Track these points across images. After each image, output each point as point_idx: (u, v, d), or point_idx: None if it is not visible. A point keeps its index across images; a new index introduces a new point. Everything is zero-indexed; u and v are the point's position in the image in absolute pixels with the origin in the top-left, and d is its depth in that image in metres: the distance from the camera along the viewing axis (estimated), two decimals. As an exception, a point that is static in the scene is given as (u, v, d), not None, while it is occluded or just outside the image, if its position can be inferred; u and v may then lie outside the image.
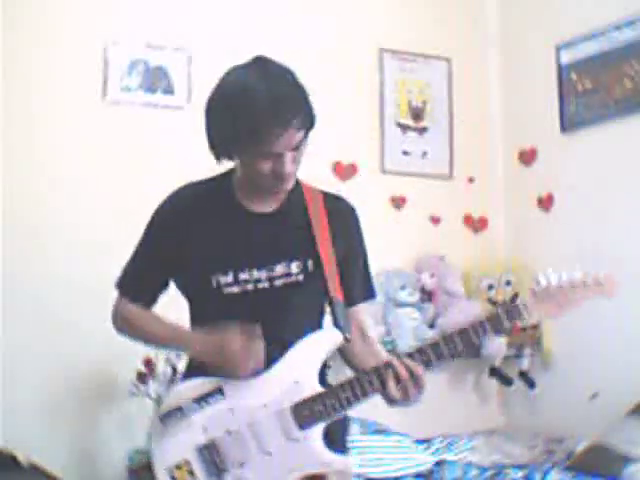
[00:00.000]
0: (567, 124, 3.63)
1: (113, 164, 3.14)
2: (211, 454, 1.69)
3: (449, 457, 3.19)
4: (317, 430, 1.69)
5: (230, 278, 1.75)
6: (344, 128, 3.55)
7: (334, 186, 3.38)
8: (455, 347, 1.74)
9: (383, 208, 3.70)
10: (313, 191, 1.88)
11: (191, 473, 1.69)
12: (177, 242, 1.78)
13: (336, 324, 1.80)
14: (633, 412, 3.02)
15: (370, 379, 1.70)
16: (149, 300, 1.86)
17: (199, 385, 1.73)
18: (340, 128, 3.52)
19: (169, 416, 1.73)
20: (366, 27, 3.72)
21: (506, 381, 3.67)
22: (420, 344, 1.75)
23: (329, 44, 3.60)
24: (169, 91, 3.28)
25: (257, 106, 1.64)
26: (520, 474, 2.94)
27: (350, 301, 1.88)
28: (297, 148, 1.71)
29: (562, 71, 3.65)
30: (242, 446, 1.68)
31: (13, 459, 2.47)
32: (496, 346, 3.56)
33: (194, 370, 1.79)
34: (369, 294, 1.96)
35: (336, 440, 1.75)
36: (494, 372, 3.66)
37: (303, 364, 1.74)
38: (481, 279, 3.74)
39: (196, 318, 1.84)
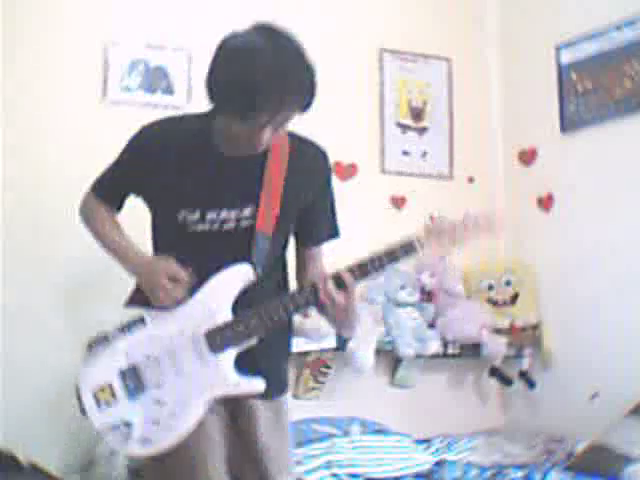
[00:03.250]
0: (567, 124, 3.63)
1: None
2: (131, 377, 1.82)
3: (449, 457, 3.19)
4: (228, 355, 1.80)
5: (197, 216, 1.84)
6: (344, 128, 3.55)
7: (334, 186, 3.38)
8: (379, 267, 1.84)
9: (383, 208, 3.70)
10: (283, 137, 1.89)
11: (113, 394, 1.83)
12: (148, 171, 1.88)
13: (251, 259, 1.85)
14: (633, 412, 3.02)
15: (276, 307, 1.81)
16: (115, 204, 2.03)
17: (126, 314, 1.88)
18: (340, 128, 3.52)
19: (96, 343, 1.88)
20: (366, 27, 3.72)
21: (506, 381, 3.67)
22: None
23: (329, 44, 3.59)
24: (169, 91, 3.28)
25: (258, 79, 1.66)
26: (520, 474, 2.94)
27: (313, 241, 2.00)
28: (281, 124, 1.76)
29: (562, 71, 3.65)
30: (160, 369, 1.81)
31: (13, 459, 2.47)
32: (496, 346, 3.56)
33: (135, 301, 1.92)
34: (333, 233, 2.04)
35: (247, 367, 1.83)
36: (494, 372, 3.66)
37: (218, 295, 1.84)
38: (481, 279, 3.74)
39: (157, 247, 1.97)
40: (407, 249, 1.84)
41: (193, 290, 1.84)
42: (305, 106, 1.77)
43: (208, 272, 1.83)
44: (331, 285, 1.79)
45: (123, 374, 1.83)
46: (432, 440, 3.38)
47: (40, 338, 2.93)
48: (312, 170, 1.96)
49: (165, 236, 1.94)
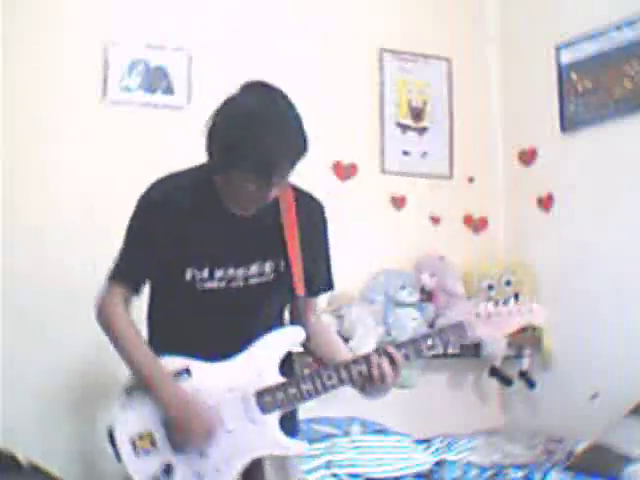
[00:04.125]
0: (567, 124, 3.63)
1: (113, 164, 3.14)
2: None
3: (449, 457, 3.19)
4: (275, 416, 1.82)
5: (205, 274, 1.83)
6: (344, 128, 3.55)
7: (334, 186, 3.39)
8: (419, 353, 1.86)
9: (383, 208, 3.70)
10: (286, 191, 1.92)
11: (153, 443, 1.78)
12: (161, 227, 1.84)
13: (295, 320, 1.94)
14: (633, 412, 3.02)
15: (330, 375, 1.84)
16: (138, 290, 1.92)
17: (168, 362, 1.83)
18: (340, 128, 3.52)
19: (136, 389, 1.82)
20: (366, 27, 3.71)
21: (506, 381, 3.67)
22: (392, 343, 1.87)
23: (329, 44, 3.60)
24: (169, 91, 3.27)
25: (270, 145, 1.68)
26: (520, 474, 2.94)
27: (312, 293, 2.00)
28: (284, 180, 1.79)
29: (562, 71, 3.65)
30: None
31: (13, 459, 2.47)
32: (496, 346, 3.56)
33: (161, 346, 1.86)
34: (329, 286, 2.07)
35: (288, 426, 1.87)
36: (494, 372, 3.66)
37: (267, 357, 1.85)
38: (481, 279, 3.74)
39: (159, 308, 1.93)
40: (461, 337, 1.87)
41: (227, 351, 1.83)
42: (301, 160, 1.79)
43: (215, 328, 1.85)
44: (386, 363, 1.82)
45: (167, 425, 1.79)
46: (432, 440, 3.38)
47: (40, 338, 2.93)
48: (316, 222, 2.01)
49: (171, 294, 1.89)
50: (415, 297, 3.53)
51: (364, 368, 1.83)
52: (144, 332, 1.97)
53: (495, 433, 3.57)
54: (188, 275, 1.83)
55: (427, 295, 3.62)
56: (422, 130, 3.83)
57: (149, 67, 3.24)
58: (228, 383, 1.82)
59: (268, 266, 1.88)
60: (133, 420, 1.80)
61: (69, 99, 3.10)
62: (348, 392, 3.46)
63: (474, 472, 2.99)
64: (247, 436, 1.80)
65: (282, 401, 1.81)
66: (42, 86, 3.06)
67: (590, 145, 3.54)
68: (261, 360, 1.85)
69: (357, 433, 3.15)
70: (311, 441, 2.96)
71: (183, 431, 1.78)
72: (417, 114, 3.82)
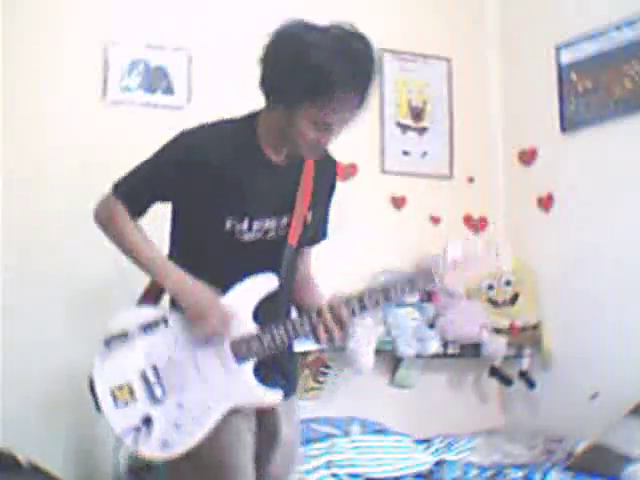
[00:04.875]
0: (567, 124, 3.63)
1: (113, 164, 3.13)
2: (152, 378, 1.80)
3: (449, 457, 3.19)
4: (250, 365, 1.83)
5: (245, 225, 1.84)
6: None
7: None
8: (377, 302, 1.85)
9: (383, 208, 3.70)
10: None
11: (132, 394, 1.80)
12: (197, 174, 1.82)
13: (278, 269, 1.89)
14: (633, 412, 3.02)
15: (302, 323, 1.83)
16: (139, 212, 1.92)
17: (145, 313, 1.86)
18: (340, 128, 3.52)
19: (114, 340, 1.85)
20: (366, 27, 3.69)
21: (506, 381, 3.67)
22: (347, 295, 1.86)
23: (329, 44, 3.59)
24: (169, 91, 3.28)
25: (339, 68, 1.78)
26: (520, 474, 2.94)
27: (309, 242, 2.03)
28: (344, 125, 1.85)
29: (562, 71, 3.65)
30: (182, 373, 1.80)
31: (13, 459, 2.47)
32: (496, 346, 3.56)
33: (147, 299, 1.92)
34: (323, 236, 2.09)
35: (271, 378, 1.87)
36: (494, 372, 3.66)
37: (240, 307, 1.84)
38: (481, 279, 3.74)
39: (189, 251, 1.91)
40: (426, 278, 1.88)
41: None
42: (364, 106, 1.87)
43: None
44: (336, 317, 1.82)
45: (144, 375, 1.81)
46: (432, 440, 3.38)
47: (40, 338, 2.93)
48: (329, 180, 2.05)
49: (205, 241, 1.88)
50: (415, 297, 3.53)
51: (306, 327, 1.84)
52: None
53: (495, 433, 3.57)
54: (228, 225, 1.84)
55: (427, 295, 3.62)
56: (422, 130, 3.83)
57: (149, 67, 3.24)
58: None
59: (285, 220, 1.92)
60: (112, 371, 1.83)
61: (69, 99, 3.10)
62: (348, 392, 3.48)
63: (474, 472, 2.99)
64: (223, 385, 1.81)
65: (257, 350, 1.82)
66: (42, 86, 3.06)
67: (590, 145, 3.54)
68: (236, 309, 1.84)
69: (357, 433, 3.15)
70: (311, 441, 2.97)
71: (201, 317, 1.79)
72: (417, 114, 3.83)
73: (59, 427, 2.96)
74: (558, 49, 3.66)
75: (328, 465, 2.89)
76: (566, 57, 3.63)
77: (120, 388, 1.80)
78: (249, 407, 1.87)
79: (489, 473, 2.98)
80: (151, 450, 1.78)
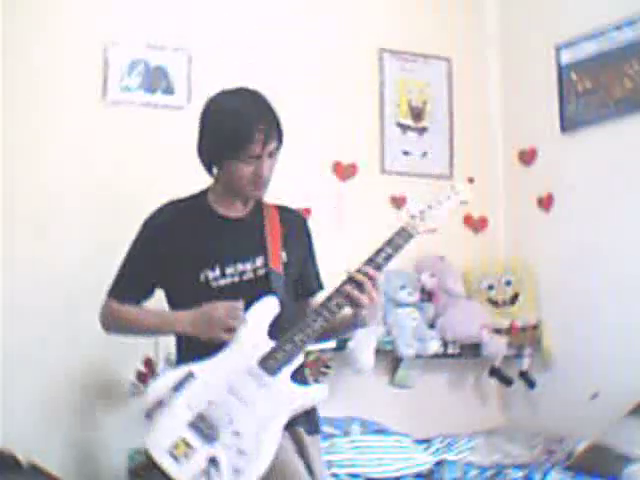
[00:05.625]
0: (567, 124, 3.63)
1: (113, 164, 3.14)
2: (201, 424, 1.86)
3: (449, 457, 3.19)
4: (285, 374, 1.93)
5: (217, 272, 2.04)
6: (344, 128, 3.55)
7: (334, 186, 3.39)
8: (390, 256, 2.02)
9: (383, 208, 3.70)
10: (270, 205, 2.19)
11: (189, 446, 1.84)
12: (164, 250, 2.06)
13: (274, 291, 2.04)
14: (633, 412, 3.02)
15: (314, 318, 1.94)
16: (137, 302, 2.12)
17: (170, 376, 1.95)
18: (340, 128, 3.52)
19: (153, 411, 1.90)
20: (366, 27, 3.71)
21: (506, 381, 3.67)
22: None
23: (329, 44, 3.60)
24: (169, 91, 3.27)
25: (243, 112, 2.00)
26: (520, 474, 2.94)
27: (309, 292, 2.23)
28: (272, 156, 2.03)
29: (562, 71, 3.65)
30: (227, 408, 1.88)
31: (13, 459, 2.47)
32: (496, 346, 3.56)
33: (187, 348, 2.06)
34: (321, 286, 2.26)
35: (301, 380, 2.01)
36: (494, 372, 3.66)
37: (255, 330, 1.97)
38: (481, 279, 3.74)
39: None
40: (406, 238, 2.05)
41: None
42: (280, 139, 2.05)
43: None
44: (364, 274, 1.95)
45: (193, 424, 1.86)
46: (432, 440, 3.38)
47: (40, 338, 2.93)
48: (299, 229, 2.24)
49: (189, 299, 2.03)
50: (415, 297, 3.54)
51: (342, 301, 1.95)
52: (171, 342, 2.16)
53: (495, 433, 3.57)
54: (202, 277, 2.03)
55: (427, 295, 3.62)
56: (422, 130, 3.83)
57: (149, 67, 3.24)
58: (230, 366, 1.93)
59: (259, 261, 2.09)
60: (161, 436, 1.87)
61: (69, 99, 3.10)
62: (348, 392, 3.48)
63: (474, 472, 2.99)
64: (268, 402, 1.89)
65: (283, 358, 1.92)
66: (42, 86, 3.06)
67: (590, 145, 3.54)
68: (251, 334, 1.96)
69: (357, 433, 3.16)
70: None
71: (208, 322, 1.95)
72: (417, 114, 3.82)
73: (59, 427, 2.95)
74: (558, 49, 3.66)
75: (328, 465, 2.89)
76: (566, 57, 3.63)
77: (176, 446, 1.85)
78: (301, 410, 1.96)
79: (489, 473, 2.99)
80: None
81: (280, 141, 2.05)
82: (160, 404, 1.89)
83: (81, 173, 3.09)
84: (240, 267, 2.05)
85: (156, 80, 3.25)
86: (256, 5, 3.48)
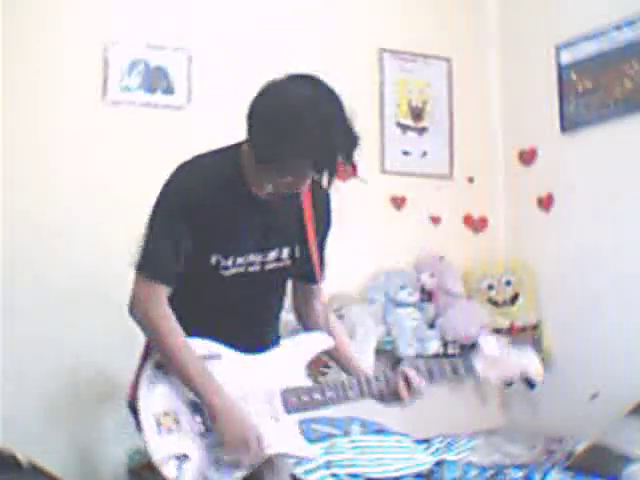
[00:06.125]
0: (567, 124, 3.63)
1: (113, 164, 3.14)
2: (199, 411, 1.78)
3: (449, 457, 3.19)
4: (296, 418, 1.86)
5: (230, 261, 1.84)
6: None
7: (334, 186, 3.38)
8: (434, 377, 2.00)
9: (383, 208, 3.70)
10: None
11: (177, 422, 1.77)
12: (187, 226, 1.81)
13: (299, 307, 2.02)
14: (633, 412, 3.02)
15: (352, 387, 1.89)
16: (175, 282, 1.84)
17: (201, 345, 1.81)
18: (340, 128, 3.52)
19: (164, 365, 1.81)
20: (366, 27, 3.71)
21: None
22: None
23: (329, 44, 3.60)
24: (169, 91, 3.27)
25: (327, 143, 1.72)
26: (520, 474, 2.94)
27: (317, 279, 2.04)
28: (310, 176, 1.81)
29: (562, 71, 3.65)
30: None
31: (13, 459, 2.47)
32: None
33: (196, 330, 1.84)
34: (324, 274, 2.09)
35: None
36: (494, 372, 3.65)
37: (295, 358, 1.90)
38: (481, 279, 3.74)
39: (180, 292, 1.87)
40: (469, 372, 2.02)
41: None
42: (348, 156, 1.80)
43: (230, 311, 1.88)
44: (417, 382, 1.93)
45: (192, 406, 1.78)
46: (432, 440, 3.37)
47: (40, 337, 2.93)
48: (325, 210, 2.03)
49: (190, 278, 1.85)
50: (415, 297, 3.53)
51: (383, 386, 1.91)
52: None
53: (495, 433, 3.56)
54: (213, 260, 1.83)
55: (427, 295, 3.62)
56: (422, 130, 3.83)
57: (149, 67, 3.24)
58: (256, 377, 1.85)
59: (285, 252, 1.91)
60: (158, 398, 1.79)
61: (69, 99, 3.10)
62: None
63: (474, 472, 2.99)
64: (270, 432, 1.81)
65: (306, 404, 1.85)
66: (42, 86, 3.06)
67: (590, 145, 3.54)
68: (289, 360, 1.89)
69: (357, 433, 3.15)
70: (311, 441, 2.96)
71: (239, 451, 1.77)
72: (417, 114, 3.82)
73: (59, 426, 2.96)
74: (558, 49, 3.66)
75: (328, 465, 2.89)
76: (566, 57, 3.63)
77: (166, 414, 1.77)
78: (289, 456, 1.94)
79: (489, 473, 2.98)
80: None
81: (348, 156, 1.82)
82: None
83: (81, 173, 3.09)
84: (251, 257, 1.85)
85: (156, 80, 3.25)
86: (256, 5, 3.48)
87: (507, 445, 3.38)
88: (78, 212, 3.06)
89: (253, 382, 1.83)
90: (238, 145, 1.86)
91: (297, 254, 1.93)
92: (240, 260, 1.85)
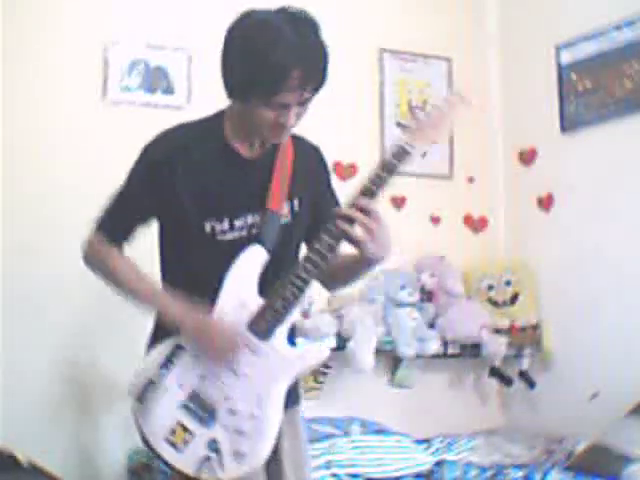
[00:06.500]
0: (567, 124, 3.63)
1: (113, 164, 3.13)
2: (196, 404, 1.74)
3: (449, 457, 3.19)
4: (279, 336, 1.75)
5: (226, 225, 1.79)
6: (344, 128, 3.55)
7: (334, 186, 3.38)
8: (383, 179, 1.83)
9: (383, 208, 3.67)
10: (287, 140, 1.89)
11: (186, 430, 1.73)
12: (167, 185, 1.79)
13: (261, 238, 1.81)
14: (633, 412, 3.02)
15: (305, 267, 1.72)
16: (127, 241, 1.89)
17: (158, 352, 1.80)
18: (340, 128, 3.52)
19: (144, 392, 1.79)
20: (366, 27, 3.72)
21: (506, 381, 3.67)
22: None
23: (329, 44, 3.58)
24: (169, 91, 3.28)
25: (284, 54, 1.66)
26: (520, 474, 2.94)
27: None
28: (304, 104, 1.75)
29: (562, 71, 3.65)
30: (219, 382, 1.74)
31: (13, 459, 2.47)
32: (496, 346, 3.56)
33: (157, 340, 1.83)
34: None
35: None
36: (494, 372, 3.66)
37: (243, 285, 1.78)
38: (481, 279, 3.74)
39: (177, 262, 1.86)
40: (401, 156, 1.84)
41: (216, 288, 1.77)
42: (322, 84, 1.79)
43: None
44: (353, 210, 1.74)
45: (186, 406, 1.75)
46: (432, 440, 3.38)
47: (40, 338, 2.93)
48: (314, 167, 1.97)
49: (189, 248, 1.83)
50: (415, 297, 3.53)
51: (331, 240, 1.72)
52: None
53: (495, 433, 3.57)
54: (207, 228, 1.78)
55: (427, 295, 3.62)
56: (422, 130, 3.82)
57: (149, 67, 3.24)
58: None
59: (285, 207, 1.85)
60: (157, 420, 1.76)
61: (69, 99, 3.10)
62: (348, 392, 3.48)
63: (474, 472, 2.99)
64: (264, 369, 1.74)
65: (274, 319, 1.74)
66: (42, 86, 3.06)
67: (590, 145, 3.54)
68: (239, 290, 1.77)
69: (357, 433, 3.15)
70: (311, 441, 2.96)
71: (209, 342, 1.74)
72: (417, 114, 3.82)
73: (59, 427, 2.96)
74: (558, 49, 3.66)
75: (328, 465, 2.89)
76: (566, 57, 3.63)
77: (173, 432, 1.74)
78: (303, 375, 1.82)
79: (489, 473, 2.98)
80: (230, 470, 1.71)
81: (321, 84, 1.78)
82: (150, 385, 1.77)
83: (81, 173, 3.09)
84: (250, 219, 1.80)
85: (156, 80, 3.25)
86: (256, 5, 3.48)
87: (507, 445, 3.38)
88: (78, 212, 3.05)
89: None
90: (222, 111, 1.86)
91: (297, 208, 1.87)
92: (239, 223, 1.80)
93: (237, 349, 1.73)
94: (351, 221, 1.72)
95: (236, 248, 1.78)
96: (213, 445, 1.72)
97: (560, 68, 3.66)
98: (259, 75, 1.66)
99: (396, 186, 3.99)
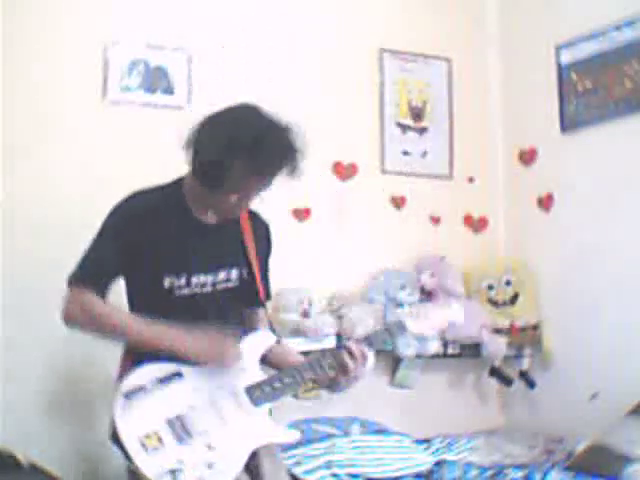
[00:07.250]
0: (567, 124, 3.63)
1: (113, 164, 3.13)
2: (178, 425, 1.91)
3: (449, 457, 3.19)
4: (266, 408, 2.03)
5: (183, 281, 2.03)
6: (344, 128, 3.55)
7: (334, 186, 3.39)
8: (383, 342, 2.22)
9: (383, 208, 3.70)
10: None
11: (160, 441, 1.88)
12: (136, 240, 2.01)
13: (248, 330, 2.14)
14: (633, 412, 3.02)
15: (306, 368, 2.06)
16: (104, 293, 2.06)
17: (159, 368, 1.98)
18: (340, 128, 3.52)
19: (133, 393, 1.93)
20: (366, 27, 3.72)
21: (506, 381, 3.67)
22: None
23: (329, 44, 3.60)
24: (169, 91, 3.27)
25: (232, 160, 1.90)
26: (520, 474, 2.94)
27: (261, 302, 2.25)
28: (251, 197, 2.02)
29: (562, 71, 3.65)
30: (205, 418, 1.94)
31: (13, 459, 2.46)
32: (496, 346, 3.56)
33: (143, 358, 1.99)
34: (268, 297, 2.28)
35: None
36: (494, 372, 3.66)
37: (248, 356, 2.05)
38: (481, 279, 3.74)
39: (139, 311, 2.07)
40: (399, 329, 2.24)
41: None
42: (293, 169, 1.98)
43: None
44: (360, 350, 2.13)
45: (171, 423, 1.91)
46: (432, 440, 3.38)
47: (40, 338, 2.93)
48: (265, 236, 2.25)
49: (150, 303, 2.05)
50: (415, 297, 3.53)
51: (332, 360, 2.08)
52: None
53: (495, 433, 3.57)
54: (166, 283, 2.02)
55: (427, 295, 3.62)
56: (422, 130, 3.83)
57: (149, 67, 3.24)
58: (216, 382, 1.99)
59: (234, 273, 2.11)
60: (136, 421, 1.89)
61: (69, 99, 3.10)
62: (348, 392, 3.47)
63: (474, 472, 2.99)
64: (245, 426, 1.97)
65: (269, 394, 2.01)
66: (42, 86, 3.06)
67: (590, 145, 3.54)
68: (244, 360, 2.04)
69: (357, 433, 3.15)
70: (311, 441, 2.97)
71: (215, 356, 1.97)
72: (417, 114, 3.82)
73: (59, 427, 2.95)
74: (558, 49, 3.66)
75: (328, 465, 2.89)
76: (566, 57, 3.63)
77: (148, 436, 1.87)
78: (273, 444, 2.06)
79: (489, 473, 2.98)
80: None
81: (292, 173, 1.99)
82: (141, 390, 1.92)
83: (81, 173, 3.09)
84: (202, 279, 2.05)
85: (156, 80, 3.25)
86: (256, 5, 3.48)
87: (507, 445, 3.38)
88: (78, 212, 3.06)
89: (217, 388, 1.99)
90: (179, 179, 2.10)
91: (244, 275, 2.13)
92: (193, 280, 2.03)
93: (236, 352, 2.00)
94: (354, 359, 2.10)
95: (190, 303, 2.04)
96: (180, 464, 1.86)
97: (560, 68, 3.66)
98: (217, 174, 1.92)
99: (396, 186, 4.03)
